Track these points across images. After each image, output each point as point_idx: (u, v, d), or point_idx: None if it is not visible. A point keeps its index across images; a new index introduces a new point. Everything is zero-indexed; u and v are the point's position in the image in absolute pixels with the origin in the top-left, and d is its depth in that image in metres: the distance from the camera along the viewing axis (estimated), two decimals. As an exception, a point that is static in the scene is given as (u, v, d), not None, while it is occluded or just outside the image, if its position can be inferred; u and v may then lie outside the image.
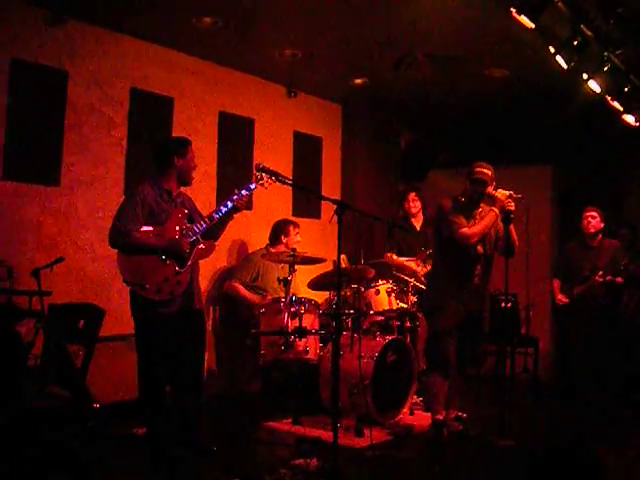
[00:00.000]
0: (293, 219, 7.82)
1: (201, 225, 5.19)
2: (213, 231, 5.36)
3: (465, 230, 5.66)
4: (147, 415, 5.16)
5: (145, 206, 5.05)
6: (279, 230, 7.52)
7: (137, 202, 5.05)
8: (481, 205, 5.85)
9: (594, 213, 7.34)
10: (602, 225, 7.34)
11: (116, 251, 5.05)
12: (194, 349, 5.35)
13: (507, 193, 5.68)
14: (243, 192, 5.31)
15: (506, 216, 5.70)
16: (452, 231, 5.70)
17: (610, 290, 7.20)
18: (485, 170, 5.74)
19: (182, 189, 5.41)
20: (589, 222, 7.33)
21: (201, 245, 5.22)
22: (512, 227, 5.78)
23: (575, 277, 7.41)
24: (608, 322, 7.28)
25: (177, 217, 5.17)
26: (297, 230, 7.53)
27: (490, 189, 5.74)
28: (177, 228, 5.12)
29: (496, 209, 5.67)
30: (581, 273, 7.32)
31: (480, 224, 5.69)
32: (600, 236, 7.38)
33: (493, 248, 5.90)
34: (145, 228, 5.03)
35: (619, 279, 7.15)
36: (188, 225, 5.18)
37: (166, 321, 5.04)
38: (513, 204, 5.66)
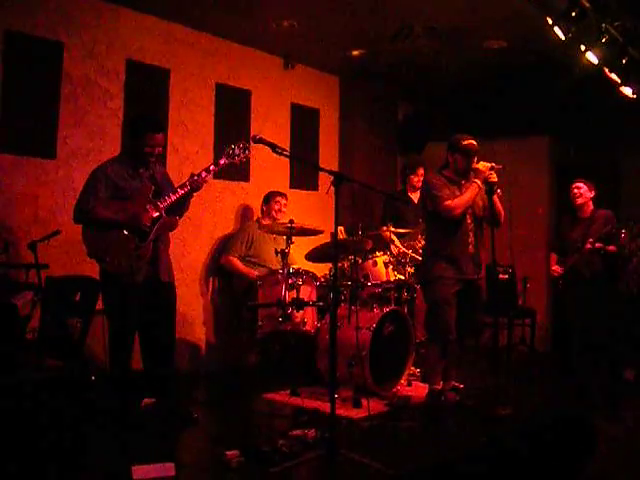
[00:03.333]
0: (290, 191, 7.81)
1: (164, 200, 5.34)
2: (177, 207, 5.50)
3: (449, 203, 5.68)
4: (114, 386, 5.32)
5: (109, 182, 5.27)
6: (264, 200, 7.56)
7: (98, 179, 5.28)
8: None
9: (580, 184, 7.30)
10: (591, 194, 7.29)
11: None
12: (162, 321, 5.50)
13: (489, 165, 5.71)
14: (203, 174, 5.46)
15: (489, 188, 5.72)
16: (436, 204, 5.75)
17: (605, 260, 7.18)
18: (473, 141, 5.77)
19: (157, 165, 5.65)
20: (575, 194, 7.30)
21: (164, 220, 5.36)
22: (496, 198, 5.80)
23: (569, 249, 7.37)
24: (604, 293, 7.25)
25: (142, 193, 5.33)
26: (283, 200, 7.50)
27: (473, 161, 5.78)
28: (141, 203, 5.28)
29: (479, 181, 5.69)
30: (574, 245, 7.27)
31: (463, 196, 5.71)
32: (592, 207, 7.32)
33: (482, 215, 5.92)
34: (108, 203, 5.23)
35: (611, 247, 7.08)
36: (152, 200, 5.32)
37: (130, 292, 5.20)
38: (495, 175, 5.68)
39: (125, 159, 5.44)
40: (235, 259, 7.30)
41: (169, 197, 5.34)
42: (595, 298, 7.15)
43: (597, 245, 7.04)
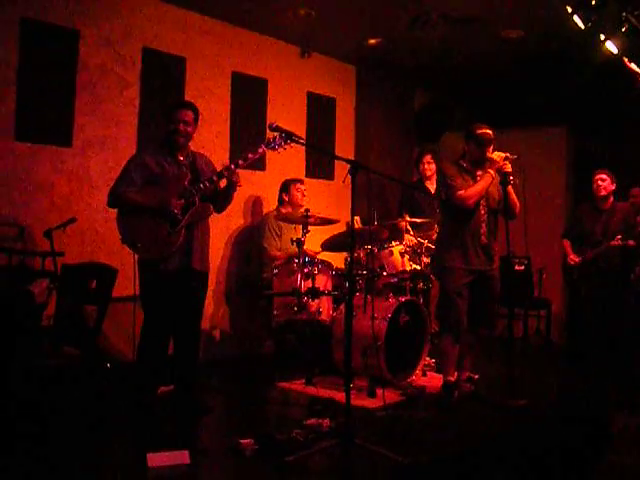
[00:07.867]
0: (306, 180, 7.79)
1: (199, 188, 5.27)
2: (212, 196, 5.44)
3: (461, 193, 5.64)
4: (138, 373, 5.35)
5: (145, 169, 5.27)
6: (281, 190, 7.52)
7: (133, 165, 5.30)
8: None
9: (604, 175, 7.27)
10: (613, 187, 7.27)
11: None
12: (191, 310, 5.49)
13: (503, 155, 5.65)
14: (232, 165, 5.33)
15: (504, 178, 5.68)
16: (449, 194, 5.71)
17: (623, 254, 7.14)
18: (488, 130, 5.72)
19: (196, 151, 5.59)
20: (599, 185, 7.26)
21: (197, 207, 5.29)
22: (511, 189, 5.76)
23: (586, 240, 7.35)
24: (620, 286, 7.22)
25: (177, 180, 5.29)
26: (300, 187, 7.45)
27: (488, 151, 5.73)
28: (174, 190, 5.24)
29: (492, 171, 5.65)
30: (593, 236, 7.27)
31: (476, 186, 5.66)
32: (612, 199, 7.30)
33: (497, 207, 5.87)
34: (141, 189, 5.24)
35: (631, 242, 7.05)
36: (187, 187, 5.26)
37: (164, 278, 5.24)
38: (510, 165, 5.64)
39: (161, 146, 5.43)
40: (278, 253, 7.23)
41: (204, 185, 5.27)
42: (610, 291, 7.13)
43: (617, 239, 7.01)
